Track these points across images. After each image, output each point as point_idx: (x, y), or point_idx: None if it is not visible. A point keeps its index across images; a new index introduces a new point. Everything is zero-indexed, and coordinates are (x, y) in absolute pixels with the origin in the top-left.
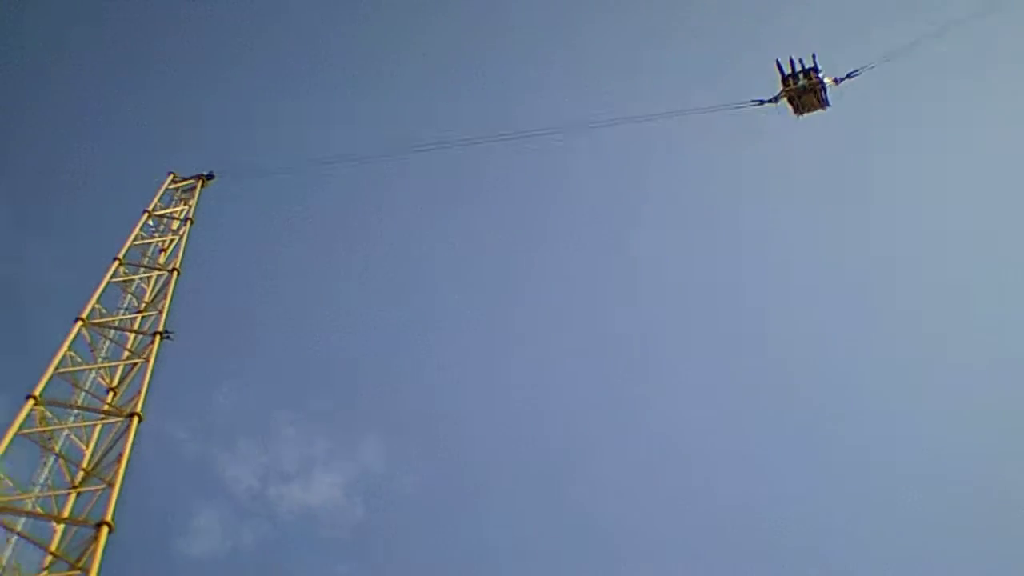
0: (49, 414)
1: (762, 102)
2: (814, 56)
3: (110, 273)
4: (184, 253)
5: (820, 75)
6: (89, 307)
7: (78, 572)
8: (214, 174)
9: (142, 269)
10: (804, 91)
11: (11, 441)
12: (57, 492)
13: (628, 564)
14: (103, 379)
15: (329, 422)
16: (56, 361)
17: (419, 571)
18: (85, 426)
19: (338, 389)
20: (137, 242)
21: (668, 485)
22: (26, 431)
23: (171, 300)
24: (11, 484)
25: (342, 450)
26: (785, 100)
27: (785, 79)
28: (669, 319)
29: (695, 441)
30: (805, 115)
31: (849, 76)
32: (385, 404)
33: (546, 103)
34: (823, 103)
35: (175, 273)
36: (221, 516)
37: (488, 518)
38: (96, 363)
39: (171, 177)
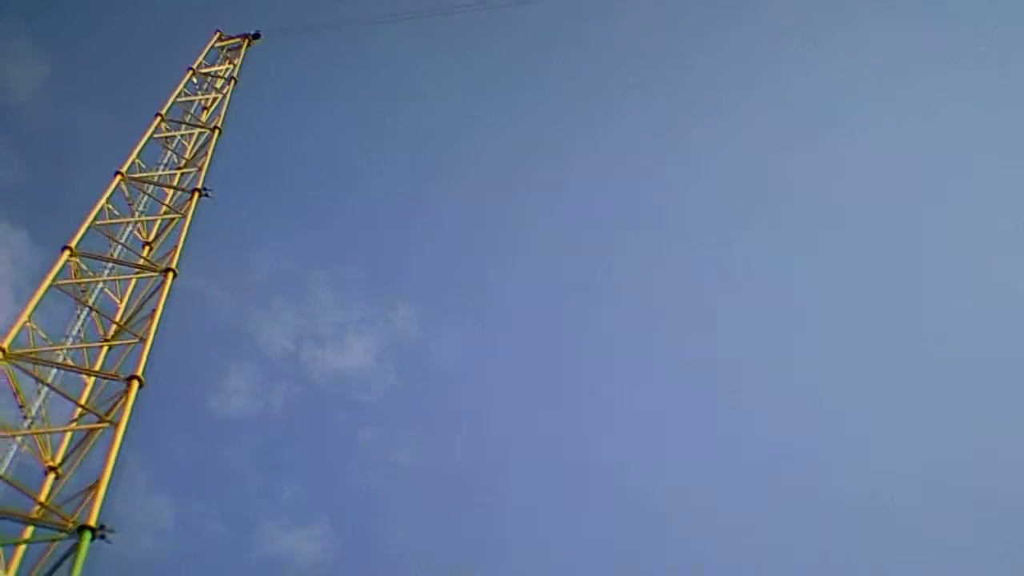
0: (84, 267)
1: None
2: None
3: (151, 129)
4: (226, 112)
5: None
6: (129, 162)
7: (107, 425)
8: (260, 33)
9: (184, 126)
10: None
11: (46, 293)
12: (89, 345)
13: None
14: (140, 233)
15: (366, 287)
16: (93, 214)
17: (443, 437)
18: (120, 280)
19: (376, 255)
20: (180, 99)
21: None
22: (61, 283)
23: (211, 158)
24: (44, 336)
25: (377, 316)
26: None
27: None
28: None
29: None
30: None
31: None
32: (422, 271)
33: None
34: None
35: (216, 131)
36: (253, 377)
37: (517, 394)
38: (134, 217)
39: (217, 35)
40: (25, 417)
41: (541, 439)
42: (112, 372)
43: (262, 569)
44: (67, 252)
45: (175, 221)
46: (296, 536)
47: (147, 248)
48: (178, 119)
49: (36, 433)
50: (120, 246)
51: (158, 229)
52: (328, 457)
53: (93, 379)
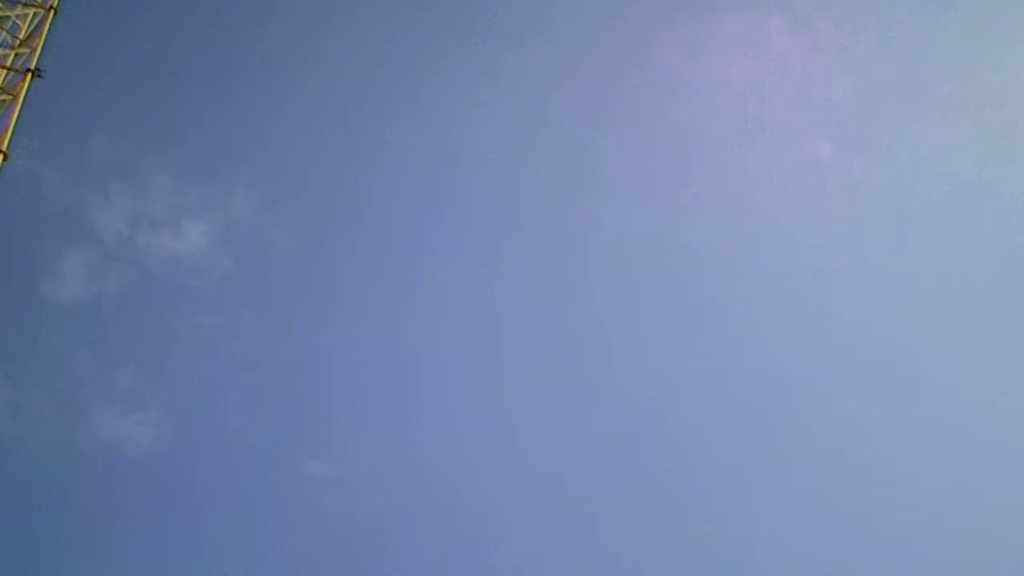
0: None
1: None
2: None
3: None
4: None
5: None
6: None
7: None
8: None
9: (19, 6)
10: None
11: None
12: None
13: None
14: None
15: (202, 171)
16: None
17: (282, 324)
18: None
19: (213, 137)
20: None
21: None
22: None
23: (45, 39)
24: None
25: (213, 199)
26: None
27: None
28: None
29: None
30: None
31: None
32: (258, 155)
33: None
34: None
35: (52, 11)
36: (88, 261)
37: (359, 271)
38: None
39: None
40: None
41: (375, 325)
42: None
43: (94, 456)
44: None
45: (7, 103)
46: (129, 422)
47: None
48: None
49: None
50: None
51: None
52: (162, 343)
53: None
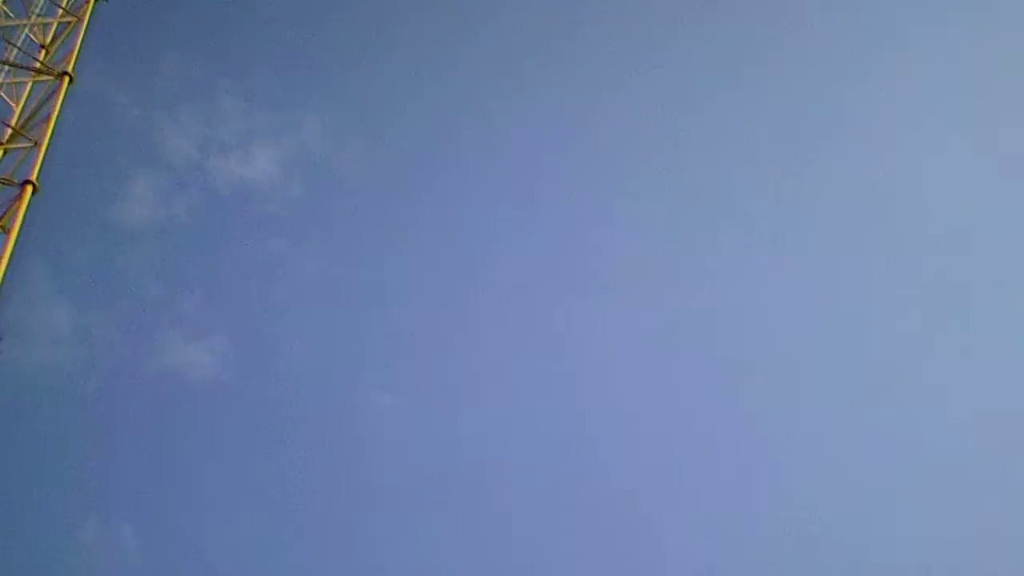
0: None
1: None
2: None
3: None
4: None
5: None
6: None
7: None
8: None
9: None
10: None
11: None
12: None
13: None
14: (36, 37)
15: (273, 96)
16: None
17: (349, 252)
18: (15, 84)
19: (285, 63)
20: None
21: None
22: None
23: None
24: None
25: (284, 126)
26: None
27: None
28: None
29: None
30: None
31: None
32: (332, 83)
33: None
34: None
35: None
36: (157, 184)
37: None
38: (30, 20)
39: None
40: None
41: (443, 258)
42: (5, 177)
43: (159, 381)
44: None
45: (72, 24)
46: (194, 349)
47: (44, 52)
48: None
49: None
50: (16, 49)
51: (54, 32)
52: (231, 269)
53: None
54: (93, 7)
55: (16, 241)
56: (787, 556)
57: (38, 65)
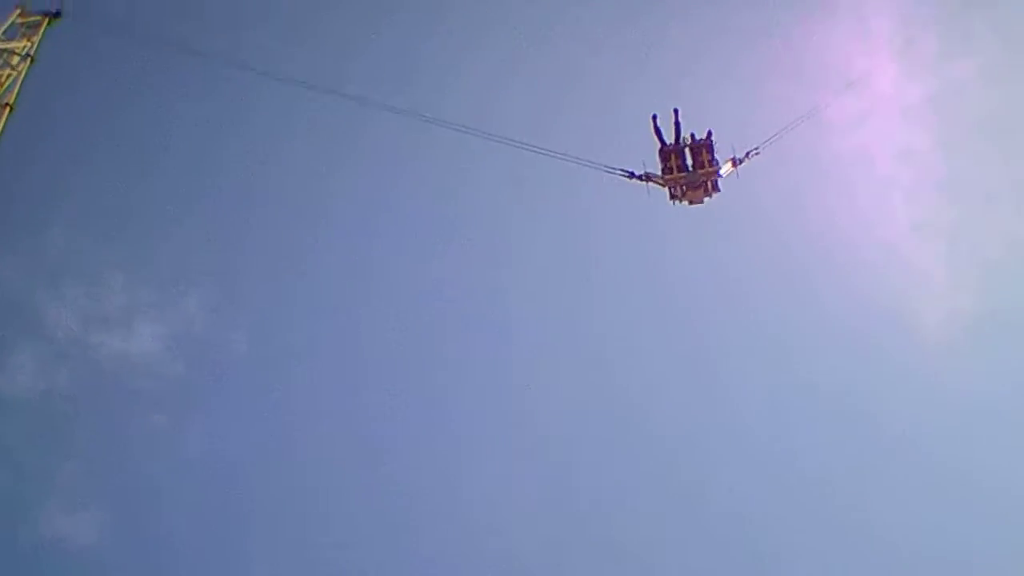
0: None
1: (632, 176)
2: (709, 133)
3: None
4: (20, 91)
5: (715, 156)
6: None
7: None
8: (60, 12)
9: None
10: (691, 183)
11: None
12: None
13: None
14: None
15: (157, 273)
16: None
17: (233, 430)
18: None
19: (170, 239)
20: None
21: None
22: None
23: (1, 134)
24: None
25: (167, 301)
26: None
27: (665, 149)
28: None
29: None
30: (683, 203)
31: (748, 156)
32: (216, 258)
33: None
34: (713, 190)
35: (8, 108)
36: (39, 355)
37: (307, 384)
38: None
39: (18, 11)
40: None
41: (327, 435)
42: None
43: (35, 551)
44: None
45: None
46: (74, 519)
47: None
48: None
49: None
50: None
51: None
52: (110, 443)
53: None
54: None
55: None
56: None
57: None
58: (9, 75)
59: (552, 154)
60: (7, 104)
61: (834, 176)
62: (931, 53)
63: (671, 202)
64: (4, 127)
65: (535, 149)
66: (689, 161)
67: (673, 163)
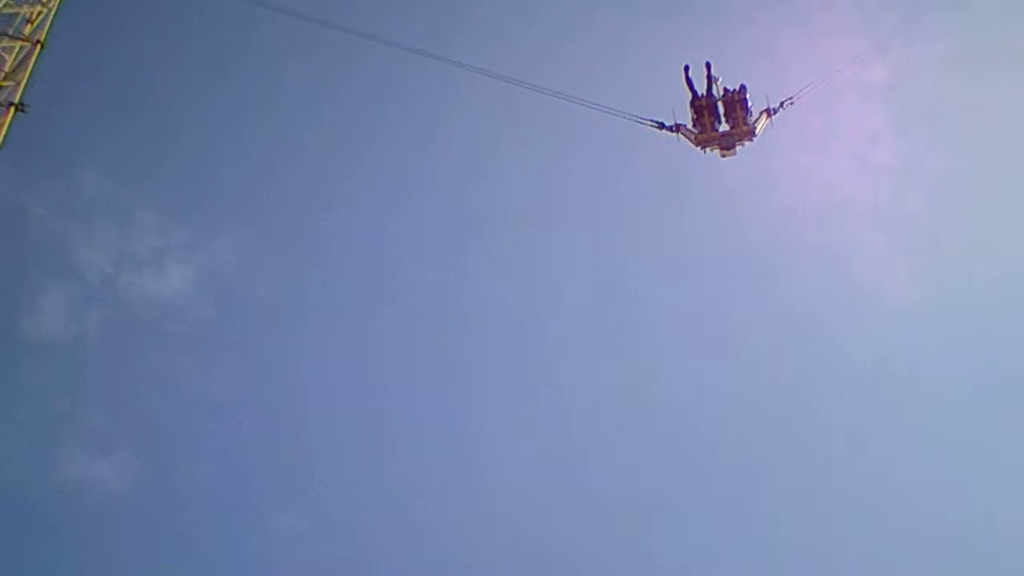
0: None
1: (662, 127)
2: (743, 87)
3: None
4: (51, 27)
5: (749, 109)
6: None
7: None
8: None
9: (4, 38)
10: (726, 144)
11: None
12: None
13: None
14: None
15: (188, 214)
16: None
17: (257, 374)
18: None
19: (201, 182)
20: (4, 10)
21: None
22: None
23: (31, 73)
24: None
25: (198, 243)
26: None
27: (697, 100)
28: None
29: None
30: (715, 152)
31: (782, 105)
32: (246, 202)
33: None
34: (748, 136)
35: (39, 46)
36: (69, 298)
37: (340, 324)
38: None
39: None
40: None
41: (349, 385)
42: None
43: (60, 494)
44: None
45: None
46: (99, 464)
47: None
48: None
49: None
50: None
51: None
52: (138, 386)
53: None
54: (12, 119)
55: None
56: None
57: None
58: (40, 12)
59: (584, 103)
60: (38, 41)
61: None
62: None
63: (700, 150)
64: (35, 65)
65: (568, 98)
66: (722, 112)
67: (706, 117)
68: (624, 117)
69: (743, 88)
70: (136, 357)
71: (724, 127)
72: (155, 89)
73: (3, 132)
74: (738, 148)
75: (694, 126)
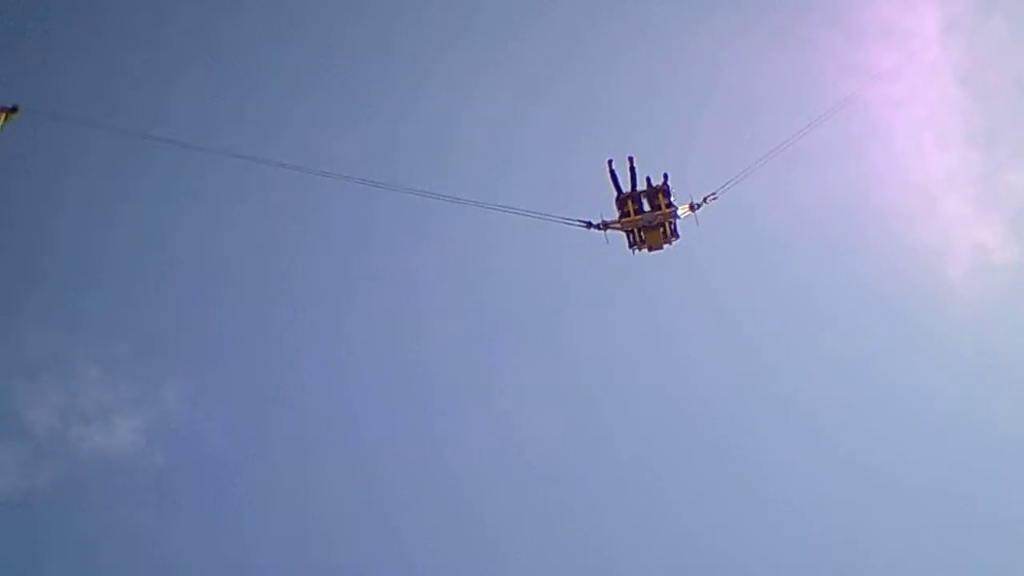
0: None
1: (590, 226)
2: (665, 176)
3: None
4: None
5: (672, 200)
6: None
7: None
8: (18, 107)
9: None
10: (650, 225)
11: None
12: None
13: None
14: None
15: (133, 364)
16: None
17: (219, 517)
18: None
19: (144, 331)
20: None
21: None
22: None
23: None
24: None
25: (144, 394)
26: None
27: (622, 196)
28: None
29: None
30: (643, 251)
31: (705, 200)
32: (191, 348)
33: None
34: (672, 235)
35: None
36: (18, 454)
37: (293, 467)
38: None
39: None
40: None
41: (306, 526)
42: None
43: None
44: None
45: None
46: None
47: None
48: None
49: None
50: None
51: None
52: (92, 540)
53: None
54: None
55: None
56: None
57: None
58: None
59: (509, 210)
60: None
61: None
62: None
63: (631, 250)
64: None
65: (489, 207)
66: (647, 207)
67: (630, 208)
68: (551, 220)
69: (665, 178)
70: (89, 511)
71: (647, 208)
72: (81, 242)
73: None
74: (666, 245)
75: (620, 218)
